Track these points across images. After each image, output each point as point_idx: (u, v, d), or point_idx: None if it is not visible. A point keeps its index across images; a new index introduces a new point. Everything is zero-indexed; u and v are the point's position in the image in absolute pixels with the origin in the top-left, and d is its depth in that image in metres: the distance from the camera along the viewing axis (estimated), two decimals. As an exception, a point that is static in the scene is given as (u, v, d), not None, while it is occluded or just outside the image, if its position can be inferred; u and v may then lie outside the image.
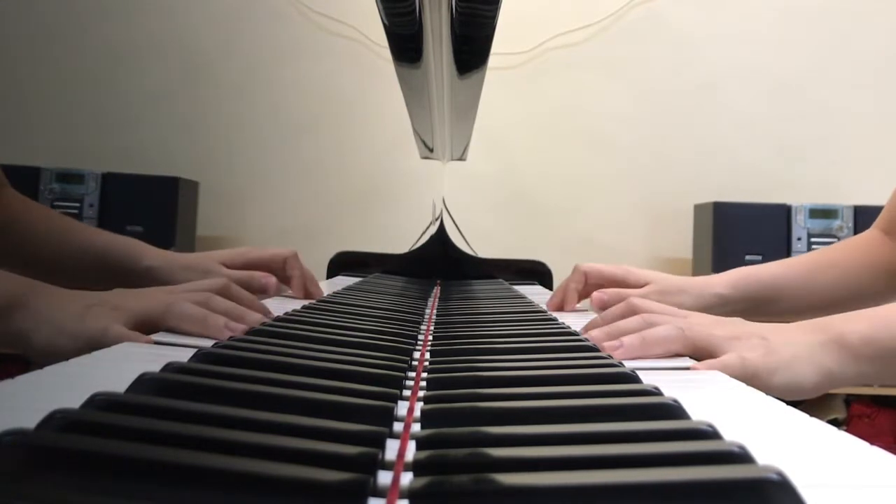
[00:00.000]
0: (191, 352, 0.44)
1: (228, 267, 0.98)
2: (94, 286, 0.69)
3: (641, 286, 0.96)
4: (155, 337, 0.58)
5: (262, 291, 0.96)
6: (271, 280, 0.96)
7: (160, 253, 0.99)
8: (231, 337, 0.56)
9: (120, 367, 0.46)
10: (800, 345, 0.61)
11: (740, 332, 0.62)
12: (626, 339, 0.61)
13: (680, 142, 2.63)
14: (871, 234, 1.01)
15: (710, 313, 0.70)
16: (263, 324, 0.62)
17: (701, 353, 0.61)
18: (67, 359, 0.48)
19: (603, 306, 0.94)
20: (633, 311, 0.67)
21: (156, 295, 0.65)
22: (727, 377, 0.52)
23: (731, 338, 0.61)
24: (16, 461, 0.24)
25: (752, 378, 0.58)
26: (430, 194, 1.51)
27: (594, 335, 0.64)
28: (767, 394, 0.56)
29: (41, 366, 0.44)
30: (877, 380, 0.63)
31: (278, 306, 0.81)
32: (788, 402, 0.43)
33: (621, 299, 0.97)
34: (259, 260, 1.00)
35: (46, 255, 0.98)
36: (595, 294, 0.95)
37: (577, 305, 1.00)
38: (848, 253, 1.00)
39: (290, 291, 1.01)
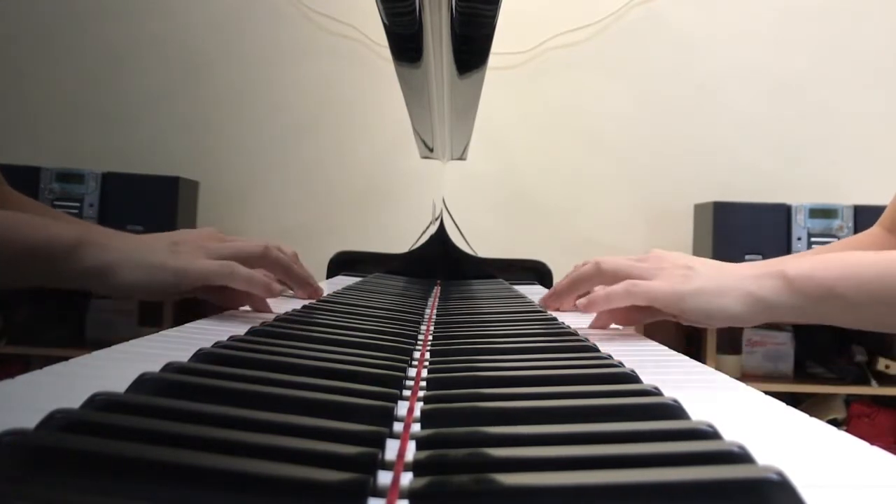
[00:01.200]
0: (189, 352, 0.44)
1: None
2: None
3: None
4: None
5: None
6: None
7: (116, 240, 1.02)
8: (231, 337, 0.56)
9: (120, 367, 0.46)
10: (728, 277, 0.61)
11: (668, 263, 0.64)
12: (557, 286, 0.69)
13: (680, 142, 2.63)
14: (873, 231, 1.01)
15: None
16: (263, 323, 0.62)
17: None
18: (167, 295, 0.51)
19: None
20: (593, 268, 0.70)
21: (229, 237, 0.67)
22: (726, 376, 0.52)
23: (654, 268, 0.63)
24: (16, 461, 0.24)
25: (651, 301, 0.61)
26: (430, 194, 1.51)
27: (557, 286, 0.72)
28: (681, 319, 0.61)
29: (41, 365, 0.44)
30: (817, 317, 0.62)
31: (278, 306, 0.81)
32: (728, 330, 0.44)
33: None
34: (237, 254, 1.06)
35: None
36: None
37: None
38: (850, 250, 1.00)
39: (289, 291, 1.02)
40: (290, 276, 0.65)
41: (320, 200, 2.62)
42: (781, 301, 0.60)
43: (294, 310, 0.71)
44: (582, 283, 0.68)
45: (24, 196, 1.02)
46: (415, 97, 1.03)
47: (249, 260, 0.63)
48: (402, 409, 0.38)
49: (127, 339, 0.56)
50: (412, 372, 0.48)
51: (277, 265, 0.64)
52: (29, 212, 1.00)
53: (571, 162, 2.63)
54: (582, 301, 0.63)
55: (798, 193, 2.45)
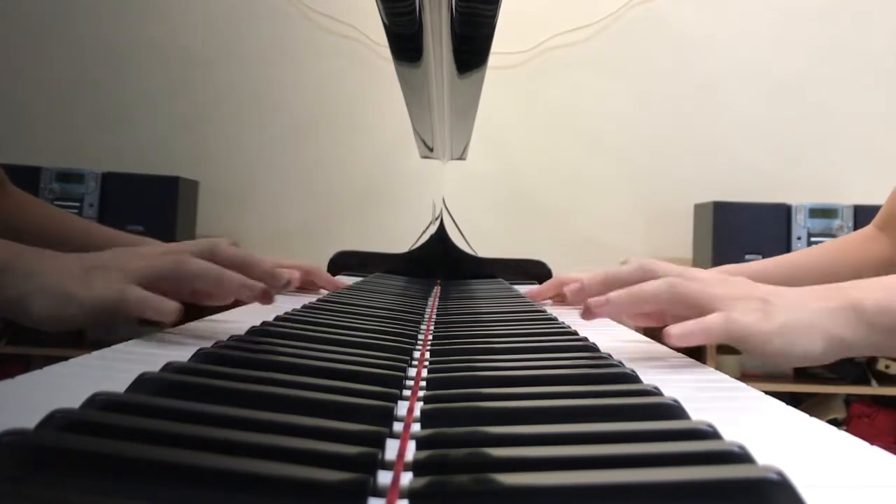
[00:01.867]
0: (189, 352, 0.44)
1: None
2: None
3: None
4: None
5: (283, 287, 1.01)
6: (295, 274, 1.00)
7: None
8: (231, 337, 0.55)
9: (120, 367, 0.46)
10: (805, 311, 0.57)
11: (741, 292, 0.58)
12: (612, 295, 0.58)
13: (680, 142, 2.63)
14: (865, 230, 1.02)
15: None
16: (263, 323, 0.61)
17: (694, 312, 0.58)
18: (78, 327, 0.45)
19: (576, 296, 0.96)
20: (638, 271, 0.63)
21: (157, 252, 0.59)
22: (726, 376, 0.52)
23: (726, 297, 0.57)
24: (16, 461, 0.24)
25: (741, 342, 0.56)
26: (430, 194, 1.51)
27: (586, 281, 0.62)
28: (763, 359, 0.56)
29: (41, 365, 0.44)
30: (888, 351, 0.59)
31: (278, 306, 0.81)
32: (797, 370, 0.42)
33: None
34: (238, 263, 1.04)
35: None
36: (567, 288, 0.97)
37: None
38: (838, 249, 1.01)
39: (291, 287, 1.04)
40: (220, 284, 0.57)
41: (320, 200, 2.62)
42: (859, 338, 0.57)
43: (294, 309, 0.71)
44: (647, 303, 0.59)
45: (30, 195, 1.03)
46: (415, 97, 1.03)
47: (167, 276, 0.57)
48: (402, 409, 0.38)
49: (127, 339, 0.56)
50: (412, 372, 0.48)
51: (198, 276, 0.57)
52: (32, 210, 1.00)
53: (571, 162, 2.63)
54: (676, 332, 0.55)
55: (798, 193, 2.45)
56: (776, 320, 0.56)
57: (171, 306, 0.55)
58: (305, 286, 1.06)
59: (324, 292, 1.06)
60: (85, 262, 0.57)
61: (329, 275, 1.09)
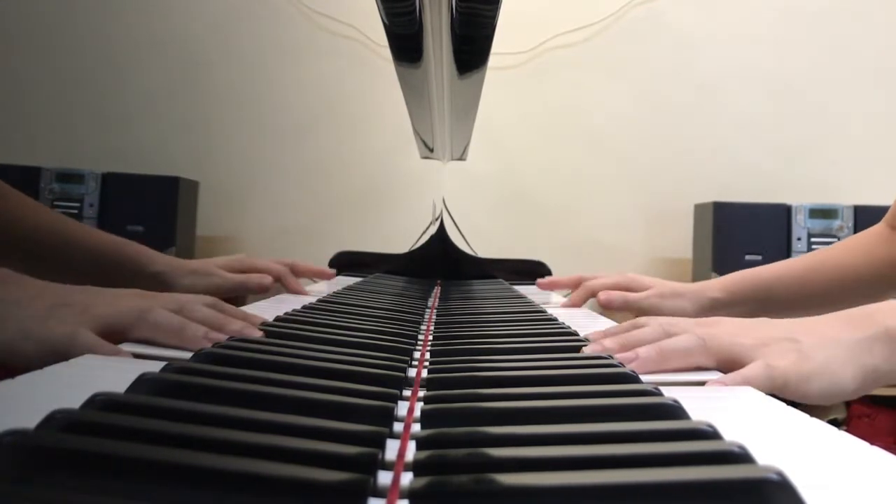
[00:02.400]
0: (188, 352, 0.44)
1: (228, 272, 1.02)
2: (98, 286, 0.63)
3: (644, 289, 0.99)
4: (127, 348, 0.53)
5: (261, 291, 1.00)
6: (266, 280, 1.00)
7: (166, 258, 1.01)
8: (232, 337, 0.55)
9: (120, 367, 0.46)
10: (837, 344, 0.55)
11: (768, 336, 0.57)
12: (641, 351, 0.56)
13: (680, 142, 2.63)
14: (876, 229, 1.01)
15: (706, 316, 0.67)
16: (264, 324, 0.61)
17: (726, 365, 0.56)
18: (31, 366, 0.42)
19: (609, 306, 0.97)
20: (638, 326, 0.61)
21: (129, 299, 0.58)
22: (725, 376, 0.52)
23: (758, 345, 0.56)
24: (16, 461, 0.24)
25: (782, 389, 0.54)
26: (430, 194, 1.51)
27: (607, 345, 0.58)
28: (806, 402, 0.54)
29: (41, 365, 0.44)
30: None
31: (278, 306, 0.81)
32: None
33: (626, 302, 0.99)
34: (254, 269, 1.04)
35: (47, 254, 0.99)
36: (601, 295, 0.98)
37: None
38: (849, 250, 1.01)
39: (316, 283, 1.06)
40: (181, 338, 0.55)
41: (320, 200, 2.62)
42: (892, 366, 0.55)
43: (294, 310, 0.71)
44: (678, 358, 0.56)
45: (26, 197, 1.03)
46: (415, 97, 1.03)
47: (126, 326, 0.55)
48: (402, 409, 0.38)
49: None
50: (412, 372, 0.48)
51: (157, 330, 0.55)
52: (28, 211, 1.00)
53: (571, 162, 2.63)
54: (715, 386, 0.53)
55: (798, 193, 2.45)
56: (815, 360, 0.54)
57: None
58: (285, 286, 1.06)
59: (322, 291, 1.06)
60: (52, 297, 0.56)
61: (309, 265, 1.09)
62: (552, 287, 1.12)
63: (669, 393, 0.38)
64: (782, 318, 0.61)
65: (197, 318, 0.57)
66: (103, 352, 0.51)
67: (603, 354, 0.54)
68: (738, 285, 0.98)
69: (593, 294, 1.02)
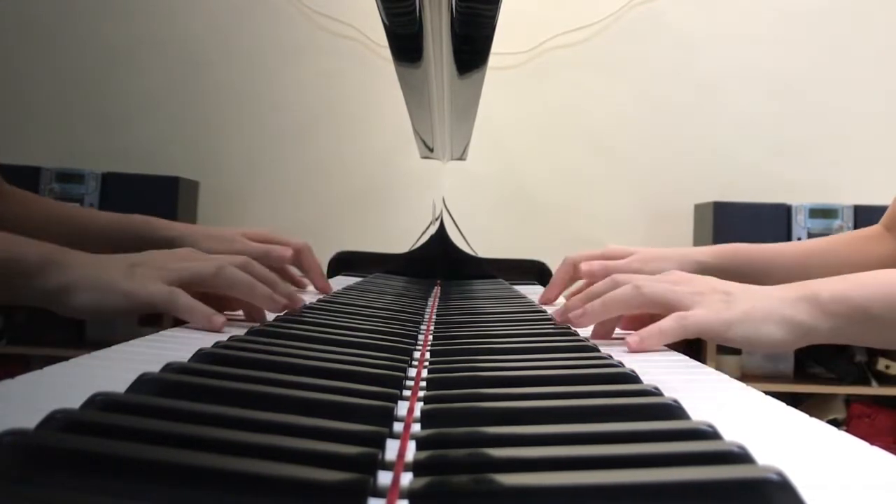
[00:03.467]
0: (189, 352, 0.44)
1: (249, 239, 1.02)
2: None
3: (627, 256, 0.99)
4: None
5: (279, 263, 1.00)
6: (288, 252, 1.00)
7: (182, 224, 1.00)
8: (231, 337, 0.55)
9: (120, 367, 0.46)
10: (766, 300, 0.61)
11: (705, 288, 0.62)
12: (588, 305, 0.63)
13: (680, 142, 2.63)
14: (873, 228, 1.02)
15: None
16: (263, 323, 0.62)
17: (664, 311, 0.61)
18: (119, 317, 0.48)
19: (592, 276, 0.97)
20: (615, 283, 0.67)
21: (198, 257, 0.64)
22: (726, 376, 0.52)
23: (691, 294, 0.61)
24: (16, 461, 0.24)
25: (701, 334, 0.59)
26: (430, 194, 1.51)
27: (569, 303, 0.66)
28: (727, 345, 0.61)
29: (41, 365, 0.44)
30: (856, 339, 0.62)
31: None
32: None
33: (607, 270, 1.00)
34: (278, 242, 1.04)
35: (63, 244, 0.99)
36: (583, 265, 0.98)
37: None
38: (846, 244, 1.01)
39: (308, 285, 1.05)
40: (252, 295, 0.61)
41: (320, 200, 2.62)
42: (818, 324, 0.60)
43: (294, 310, 0.71)
44: (618, 307, 0.64)
45: (27, 193, 1.03)
46: (415, 97, 1.03)
47: (205, 281, 0.61)
48: (402, 409, 0.38)
49: (127, 339, 0.56)
50: (412, 372, 0.48)
51: (233, 286, 0.61)
52: (31, 207, 1.00)
53: (571, 162, 2.63)
54: (634, 339, 0.59)
55: (798, 193, 2.45)
56: (737, 309, 0.60)
57: (220, 320, 0.58)
58: (294, 264, 1.06)
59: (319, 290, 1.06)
60: (127, 259, 0.60)
61: (317, 264, 1.08)
62: (557, 292, 1.09)
63: (668, 392, 0.38)
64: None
65: (258, 274, 0.63)
66: (206, 313, 0.57)
67: (602, 354, 0.54)
68: (730, 255, 0.98)
69: (576, 268, 1.02)
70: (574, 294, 0.86)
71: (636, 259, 0.97)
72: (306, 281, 1.07)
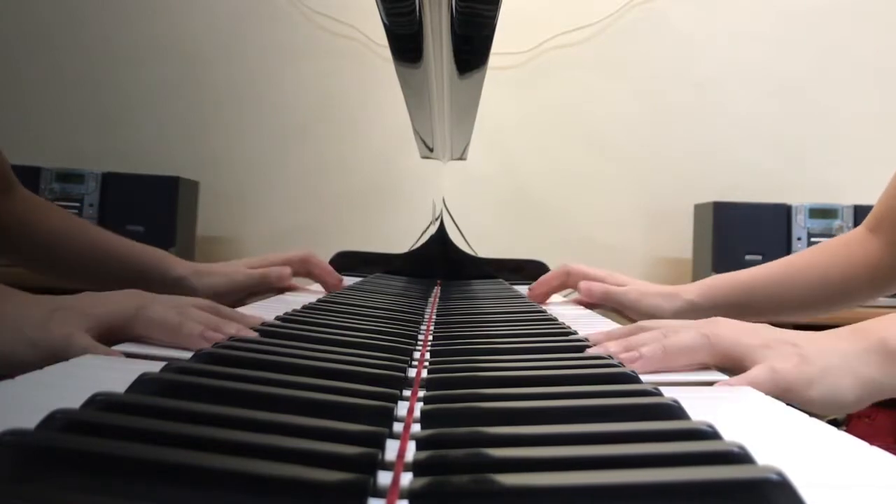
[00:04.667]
0: (189, 352, 0.44)
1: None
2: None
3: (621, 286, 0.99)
4: (122, 348, 0.53)
5: (281, 284, 1.01)
6: (286, 272, 1.02)
7: (188, 263, 1.01)
8: (231, 337, 0.55)
9: (120, 367, 0.46)
10: (836, 353, 0.56)
11: (771, 339, 0.57)
12: (645, 350, 0.56)
13: (680, 142, 2.62)
14: (856, 232, 1.02)
15: (681, 318, 0.66)
16: (263, 324, 0.61)
17: (729, 364, 0.56)
18: (30, 369, 0.43)
19: (590, 297, 0.97)
20: (642, 330, 0.61)
21: (126, 298, 0.59)
22: (726, 376, 0.52)
23: (761, 346, 0.56)
24: (16, 461, 0.24)
25: (785, 392, 0.54)
26: (430, 194, 1.51)
27: (611, 348, 0.58)
28: (805, 409, 0.52)
29: (41, 366, 0.44)
30: None
31: (278, 306, 0.81)
32: (829, 420, 0.41)
33: (606, 293, 1.00)
34: (280, 262, 1.05)
35: (64, 257, 0.99)
36: (583, 284, 0.98)
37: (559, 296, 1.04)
38: (829, 253, 1.01)
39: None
40: (176, 336, 0.55)
41: (320, 200, 2.62)
42: (891, 379, 0.56)
43: (294, 310, 0.71)
44: (683, 356, 0.56)
45: (38, 197, 1.03)
46: (415, 97, 1.03)
47: (126, 323, 0.56)
48: (402, 409, 0.38)
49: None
50: (412, 372, 0.48)
51: (153, 327, 0.56)
52: (43, 214, 1.00)
53: (571, 162, 2.63)
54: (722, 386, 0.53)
55: (798, 193, 2.45)
56: (815, 365, 0.55)
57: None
58: (301, 274, 1.07)
59: (322, 291, 1.06)
60: (50, 303, 0.56)
61: (325, 264, 1.09)
62: (544, 291, 1.08)
63: (670, 393, 0.38)
64: (762, 322, 0.61)
65: (195, 318, 0.57)
66: (97, 352, 0.51)
67: (603, 354, 0.54)
68: (714, 289, 0.97)
69: (570, 277, 1.02)
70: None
71: (633, 290, 0.97)
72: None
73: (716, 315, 0.63)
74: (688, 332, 0.57)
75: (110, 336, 0.54)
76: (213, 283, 0.98)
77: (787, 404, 0.44)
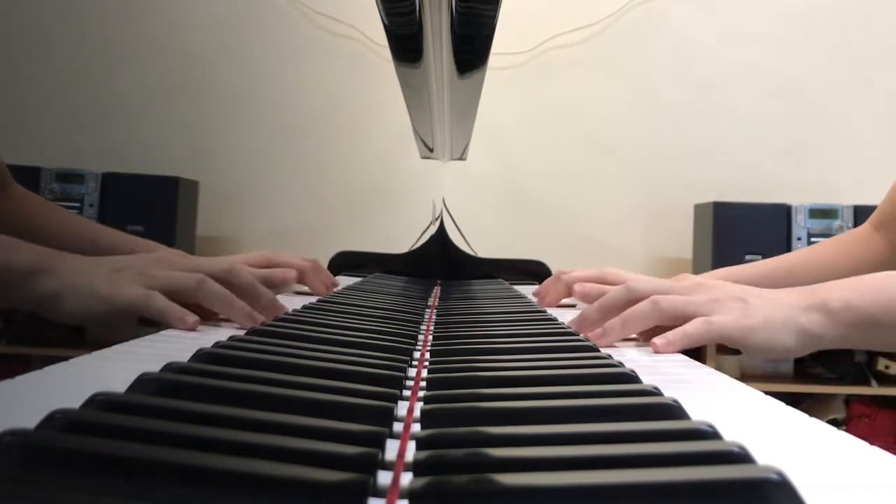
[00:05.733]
0: (189, 352, 0.44)
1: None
2: None
3: (621, 283, 0.99)
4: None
5: (284, 286, 1.01)
6: (290, 274, 1.00)
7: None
8: (231, 337, 0.55)
9: (120, 367, 0.46)
10: (780, 307, 0.62)
11: (720, 294, 0.63)
12: (607, 325, 0.64)
13: (680, 142, 2.63)
14: (861, 229, 1.02)
15: None
16: (264, 324, 0.62)
17: (682, 322, 0.62)
18: (103, 322, 0.51)
19: (585, 299, 0.97)
20: (605, 283, 0.68)
21: (182, 264, 0.65)
22: (726, 376, 0.52)
23: (708, 301, 0.63)
24: (16, 461, 0.24)
25: (723, 340, 0.61)
26: (430, 194, 1.51)
27: (585, 314, 0.67)
28: (746, 353, 0.62)
29: (41, 365, 0.44)
30: (862, 344, 0.64)
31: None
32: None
33: (602, 292, 0.99)
34: (280, 265, 1.03)
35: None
36: (577, 287, 0.98)
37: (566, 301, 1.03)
38: (833, 250, 1.01)
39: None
40: (231, 311, 0.63)
41: (320, 201, 2.62)
42: (828, 333, 0.62)
43: (294, 310, 0.71)
44: (638, 324, 0.64)
45: (33, 194, 1.03)
46: (415, 97, 1.03)
47: (186, 293, 0.62)
48: (402, 409, 0.38)
49: (127, 339, 0.56)
50: (412, 372, 0.48)
51: (212, 300, 0.63)
52: (40, 210, 1.00)
53: (571, 162, 2.63)
54: (661, 342, 0.60)
55: (798, 193, 2.45)
56: (756, 317, 0.61)
57: (192, 319, 0.60)
58: (302, 283, 1.06)
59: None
60: (112, 263, 0.62)
61: (322, 277, 1.07)
62: (545, 298, 1.07)
63: (668, 392, 0.38)
64: None
65: (241, 284, 0.65)
66: (179, 314, 0.59)
67: (602, 354, 0.54)
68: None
69: (569, 288, 1.01)
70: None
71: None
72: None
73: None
74: (641, 303, 0.64)
75: (174, 300, 0.60)
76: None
77: (730, 349, 0.49)
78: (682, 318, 0.62)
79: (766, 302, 0.63)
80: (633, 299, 0.65)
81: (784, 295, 0.64)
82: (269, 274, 1.00)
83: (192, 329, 0.59)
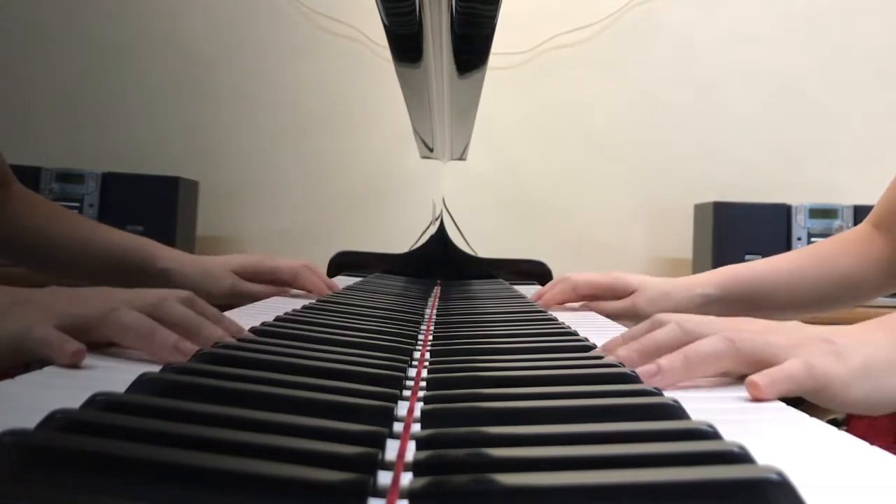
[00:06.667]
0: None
1: (240, 276, 1.00)
2: (109, 285, 0.59)
3: (630, 292, 0.97)
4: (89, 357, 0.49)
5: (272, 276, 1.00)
6: (282, 290, 1.00)
7: (175, 254, 1.00)
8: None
9: (119, 367, 0.46)
10: (875, 347, 0.50)
11: (801, 336, 0.51)
12: (663, 362, 0.49)
13: (680, 142, 2.62)
14: (861, 228, 1.02)
15: (698, 313, 0.58)
16: (263, 324, 0.61)
17: (757, 369, 0.49)
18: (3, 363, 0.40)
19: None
20: (660, 325, 0.55)
21: (96, 297, 0.54)
22: (726, 377, 0.52)
23: (791, 345, 0.50)
24: (16, 461, 0.24)
25: (823, 389, 0.48)
26: (430, 194, 1.51)
27: (622, 354, 0.52)
28: (846, 411, 0.49)
29: (41, 365, 0.44)
30: None
31: (279, 306, 0.81)
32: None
33: (615, 312, 0.97)
34: (269, 270, 1.02)
35: (57, 252, 0.99)
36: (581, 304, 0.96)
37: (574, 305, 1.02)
38: (836, 248, 1.01)
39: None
40: (149, 343, 0.50)
41: (320, 200, 2.62)
42: None
43: (294, 310, 0.71)
44: (707, 365, 0.50)
45: (34, 193, 1.03)
46: (415, 97, 1.03)
47: (92, 327, 0.51)
48: (402, 409, 0.38)
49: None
50: (412, 372, 0.48)
51: (124, 333, 0.50)
52: (38, 209, 1.01)
53: (571, 162, 2.63)
54: (764, 381, 0.46)
55: (798, 193, 2.45)
56: (853, 361, 0.49)
57: (69, 348, 0.47)
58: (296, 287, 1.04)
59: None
60: (10, 296, 0.52)
61: (319, 276, 1.05)
62: (547, 300, 1.04)
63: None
64: (775, 318, 0.59)
65: (172, 318, 0.53)
66: (56, 343, 0.47)
67: (602, 354, 0.54)
68: (731, 280, 0.96)
69: (575, 291, 1.00)
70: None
71: (642, 301, 0.95)
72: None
73: (730, 309, 0.60)
74: (710, 339, 0.51)
75: (78, 337, 0.48)
76: (201, 284, 0.96)
77: (826, 417, 0.42)
78: (756, 364, 0.49)
79: (856, 342, 0.51)
80: (736, 352, 0.50)
81: (868, 329, 0.53)
82: (261, 291, 0.99)
83: (74, 364, 0.46)
